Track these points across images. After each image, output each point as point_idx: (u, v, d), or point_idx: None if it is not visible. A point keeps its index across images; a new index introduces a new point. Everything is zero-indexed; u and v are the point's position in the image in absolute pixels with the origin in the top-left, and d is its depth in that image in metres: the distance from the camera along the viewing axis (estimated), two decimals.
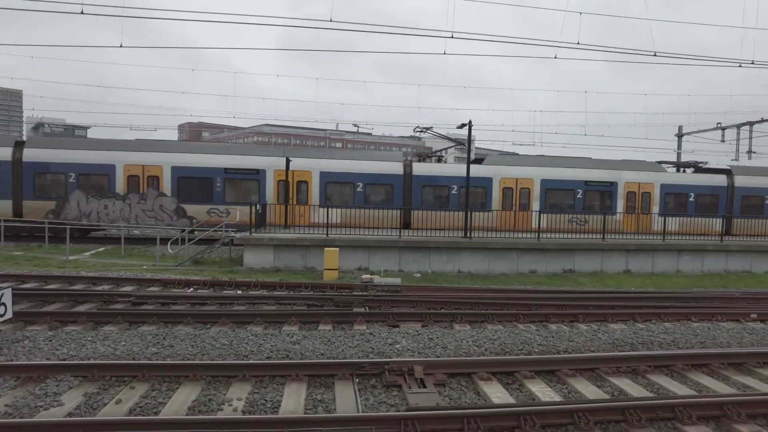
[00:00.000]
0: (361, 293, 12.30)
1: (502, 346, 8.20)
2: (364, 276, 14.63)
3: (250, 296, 11.35)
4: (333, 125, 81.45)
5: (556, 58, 15.96)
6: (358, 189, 21.55)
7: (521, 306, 11.36)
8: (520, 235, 19.26)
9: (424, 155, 28.56)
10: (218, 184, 20.79)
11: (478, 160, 23.64)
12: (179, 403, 5.66)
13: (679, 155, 39.33)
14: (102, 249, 19.58)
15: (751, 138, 34.13)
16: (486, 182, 22.35)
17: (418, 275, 16.35)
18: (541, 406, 5.45)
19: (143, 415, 5.38)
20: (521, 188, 22.64)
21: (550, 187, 22.73)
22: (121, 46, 14.57)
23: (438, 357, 7.51)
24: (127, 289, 12.27)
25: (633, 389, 6.56)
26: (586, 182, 22.99)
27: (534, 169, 22.89)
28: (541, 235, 18.20)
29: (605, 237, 18.94)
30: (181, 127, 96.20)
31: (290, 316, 9.55)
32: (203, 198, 20.83)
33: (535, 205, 22.54)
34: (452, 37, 13.37)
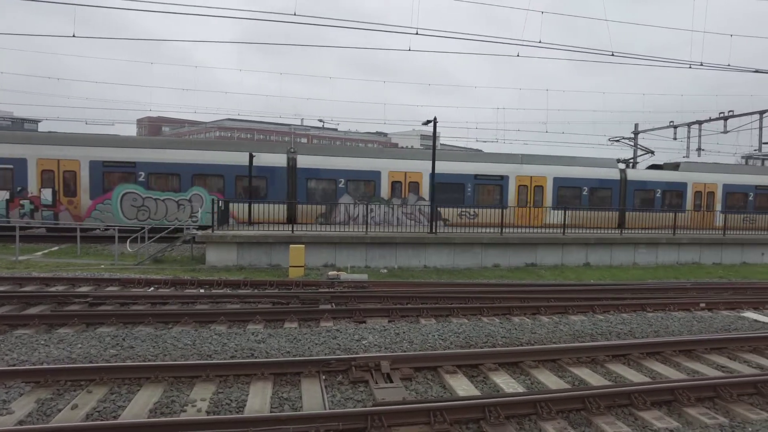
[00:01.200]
0: (327, 290, 12.25)
1: (467, 340, 8.33)
2: (330, 272, 14.57)
3: (213, 295, 11.12)
4: (298, 120, 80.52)
5: (518, 56, 16.27)
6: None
7: (485, 299, 11.57)
8: (482, 230, 19.58)
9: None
10: (469, 189, 22.96)
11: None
12: (140, 405, 5.50)
13: (635, 151, 40.81)
14: (56, 248, 18.77)
15: (700, 136, 35.76)
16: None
17: (385, 271, 16.41)
18: (505, 398, 5.57)
19: (102, 420, 5.21)
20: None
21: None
22: (74, 36, 13.95)
23: (404, 352, 7.56)
24: (84, 289, 11.82)
25: (592, 378, 6.79)
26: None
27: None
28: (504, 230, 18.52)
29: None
30: (140, 122, 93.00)
31: (255, 315, 9.42)
32: (455, 201, 22.56)
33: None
34: (417, 33, 13.43)
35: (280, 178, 21.08)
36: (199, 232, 16.71)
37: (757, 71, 18.28)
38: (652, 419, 5.47)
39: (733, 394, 6.10)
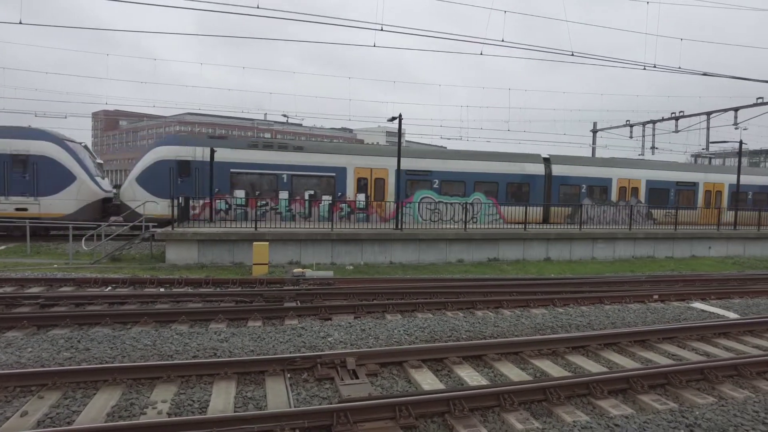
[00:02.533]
0: (292, 287, 12.14)
1: (431, 334, 8.42)
2: (295, 270, 14.43)
3: (173, 294, 10.83)
4: (261, 115, 79.21)
5: (481, 54, 16.50)
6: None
7: (450, 294, 11.73)
8: (446, 226, 19.82)
9: None
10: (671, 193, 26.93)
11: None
12: (96, 409, 5.31)
13: (593, 150, 42.14)
14: (3, 247, 17.86)
15: (654, 135, 37.25)
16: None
17: (351, 267, 16.38)
18: (469, 391, 5.67)
19: (54, 426, 5.00)
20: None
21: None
22: (20, 23, 13.25)
23: (370, 348, 7.58)
24: (35, 290, 11.30)
25: (553, 370, 6.99)
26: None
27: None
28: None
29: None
30: (95, 116, 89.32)
31: (217, 314, 9.24)
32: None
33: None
34: (382, 29, 13.42)
35: (539, 184, 24.70)
36: (159, 230, 16.24)
37: (705, 74, 19.16)
38: (609, 407, 5.68)
39: (683, 381, 6.41)
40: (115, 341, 7.49)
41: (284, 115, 57.14)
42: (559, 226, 21.29)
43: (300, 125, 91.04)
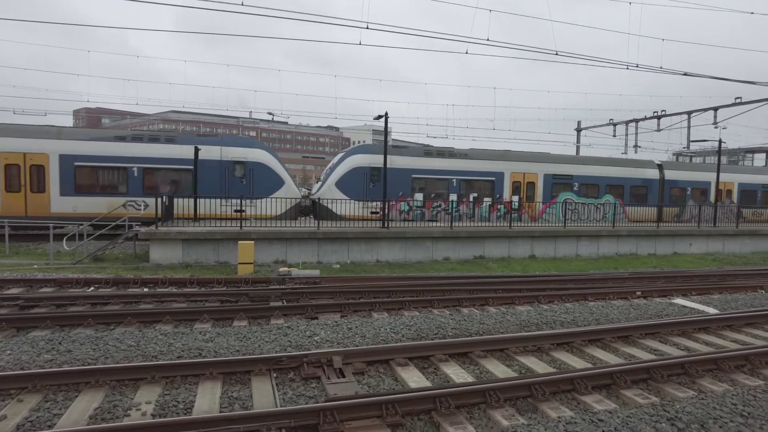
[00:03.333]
0: (278, 287, 12.07)
1: (418, 332, 8.45)
2: (281, 269, 14.36)
3: (157, 294, 10.71)
4: (246, 113, 78.60)
5: (467, 53, 16.56)
6: None
7: (436, 292, 11.77)
8: (430, 224, 19.91)
9: None
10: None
11: None
12: (78, 412, 5.23)
13: (578, 148, 42.61)
14: None
15: (637, 134, 37.77)
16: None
17: (338, 266, 16.35)
18: (456, 388, 5.70)
19: (34, 430, 4.91)
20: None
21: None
22: None
23: (357, 346, 7.57)
24: (14, 291, 11.07)
25: (538, 366, 7.06)
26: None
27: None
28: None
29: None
30: (76, 113, 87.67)
31: (202, 314, 9.16)
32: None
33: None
34: (367, 27, 13.38)
35: (655, 187, 27.83)
36: (143, 229, 16.03)
37: (686, 74, 19.48)
38: (592, 402, 5.76)
39: (664, 375, 6.52)
40: (97, 342, 7.38)
41: (270, 113, 56.73)
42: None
43: (285, 123, 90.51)
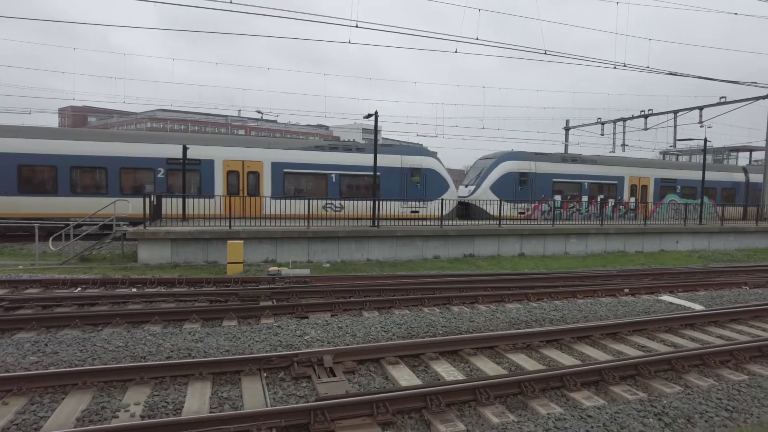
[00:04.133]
0: (268, 286, 12.02)
1: (408, 330, 8.46)
2: (271, 268, 14.30)
3: (146, 294, 10.62)
4: (234, 111, 78.05)
5: (456, 52, 16.60)
6: None
7: (426, 290, 11.80)
8: (422, 223, 19.98)
9: None
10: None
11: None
12: (66, 414, 5.17)
13: (566, 147, 42.90)
14: None
15: (624, 132, 38.15)
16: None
17: (328, 265, 16.32)
18: (446, 386, 5.72)
19: None
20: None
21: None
22: None
23: (347, 345, 7.57)
24: None
25: (528, 363, 7.11)
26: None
27: None
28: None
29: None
30: (62, 111, 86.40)
31: (192, 314, 9.09)
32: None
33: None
34: (357, 26, 13.37)
35: (741, 189, 31.26)
36: (131, 229, 15.87)
37: (672, 74, 19.71)
38: (582, 399, 5.82)
39: (651, 371, 6.60)
40: (85, 343, 7.30)
41: (258, 112, 56.47)
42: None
43: (275, 122, 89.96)
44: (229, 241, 14.70)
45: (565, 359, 7.33)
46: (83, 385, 5.79)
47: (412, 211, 21.96)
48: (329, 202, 21.98)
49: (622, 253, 21.42)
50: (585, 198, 26.69)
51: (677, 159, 44.37)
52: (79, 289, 11.57)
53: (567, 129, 43.26)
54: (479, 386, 5.74)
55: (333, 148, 23.02)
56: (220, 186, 21.23)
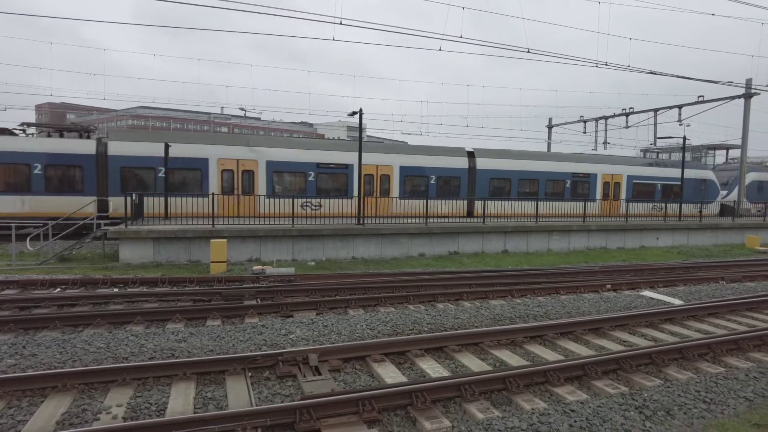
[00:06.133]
0: (252, 285, 11.94)
1: (394, 328, 8.48)
2: (255, 267, 14.20)
3: (128, 294, 10.46)
4: (217, 108, 77.20)
5: (440, 50, 16.64)
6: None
7: (411, 288, 11.83)
8: (408, 220, 20.01)
9: None
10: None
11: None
12: (45, 418, 5.07)
13: (549, 145, 43.32)
14: None
15: (606, 130, 38.66)
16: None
17: (313, 263, 16.26)
18: (431, 383, 5.75)
19: None
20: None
21: None
22: None
23: (333, 343, 7.55)
24: None
25: (512, 359, 7.18)
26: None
27: None
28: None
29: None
30: (39, 108, 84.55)
31: (174, 313, 8.99)
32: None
33: None
34: (341, 23, 13.32)
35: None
36: (112, 228, 15.61)
37: (652, 73, 20.02)
38: (565, 394, 5.89)
39: (633, 366, 6.72)
40: (64, 345, 7.17)
41: (242, 109, 55.97)
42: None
43: (258, 119, 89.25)
44: (212, 240, 14.55)
45: (548, 355, 7.42)
46: (63, 388, 5.68)
47: None
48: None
49: (604, 250, 21.73)
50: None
51: (657, 157, 45.09)
52: (58, 289, 11.35)
53: (550, 127, 43.67)
54: (464, 382, 5.78)
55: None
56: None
